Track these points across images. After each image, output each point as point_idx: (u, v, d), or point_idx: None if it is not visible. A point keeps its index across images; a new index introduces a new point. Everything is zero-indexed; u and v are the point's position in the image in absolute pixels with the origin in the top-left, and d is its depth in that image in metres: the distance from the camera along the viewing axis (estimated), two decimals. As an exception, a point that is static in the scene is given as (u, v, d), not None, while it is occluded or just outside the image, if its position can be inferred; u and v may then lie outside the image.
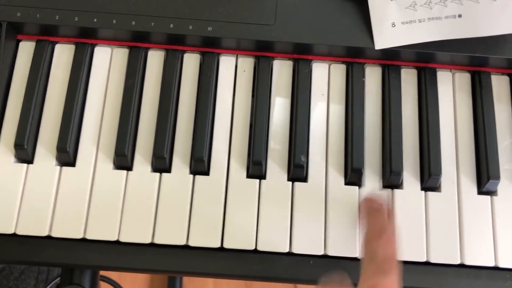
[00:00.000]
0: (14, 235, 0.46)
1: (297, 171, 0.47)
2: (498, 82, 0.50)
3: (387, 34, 0.47)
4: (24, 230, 0.46)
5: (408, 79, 0.50)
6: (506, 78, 0.51)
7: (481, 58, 0.49)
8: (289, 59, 0.51)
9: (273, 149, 0.48)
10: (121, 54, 0.50)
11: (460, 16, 0.45)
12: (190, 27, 0.48)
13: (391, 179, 0.46)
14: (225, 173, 0.47)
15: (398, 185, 0.47)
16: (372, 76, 0.50)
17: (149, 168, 0.47)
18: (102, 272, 0.64)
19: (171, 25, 0.48)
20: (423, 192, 0.47)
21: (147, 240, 0.45)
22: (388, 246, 0.39)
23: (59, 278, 0.75)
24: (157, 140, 0.47)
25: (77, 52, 0.50)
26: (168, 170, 0.47)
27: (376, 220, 0.42)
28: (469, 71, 0.51)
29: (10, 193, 0.46)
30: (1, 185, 0.46)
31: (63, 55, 0.50)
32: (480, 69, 0.50)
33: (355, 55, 0.50)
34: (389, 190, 0.47)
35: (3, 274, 1.19)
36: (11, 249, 0.46)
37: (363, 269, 0.39)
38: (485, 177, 0.47)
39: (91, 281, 0.55)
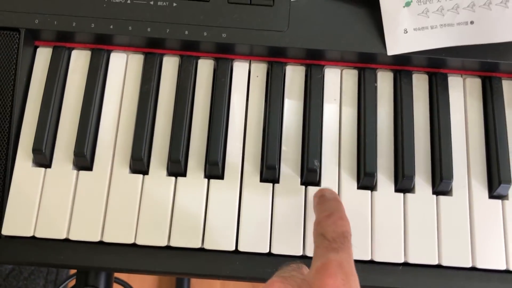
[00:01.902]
0: (33, 237, 0.47)
1: (310, 175, 0.47)
2: (509, 87, 0.51)
3: (399, 40, 0.48)
4: (42, 233, 0.47)
5: (420, 84, 0.51)
6: (517, 83, 0.51)
7: (492, 64, 0.49)
8: (301, 64, 0.51)
9: (286, 153, 0.49)
10: (136, 60, 0.51)
11: (472, 23, 0.46)
12: (205, 34, 0.49)
13: (404, 183, 0.47)
14: (239, 177, 0.48)
15: (410, 189, 0.48)
16: (384, 81, 0.51)
17: (164, 172, 0.48)
18: (114, 274, 0.65)
19: (186, 32, 0.49)
20: (434, 196, 0.48)
21: (163, 243, 0.46)
22: (338, 225, 0.39)
23: (69, 280, 0.76)
24: (173, 144, 0.48)
25: (94, 58, 0.51)
26: (183, 174, 0.48)
27: (326, 205, 0.42)
28: (480, 77, 0.51)
29: (28, 196, 0.47)
30: (20, 189, 0.47)
31: (79, 61, 0.51)
32: (491, 74, 0.51)
33: (367, 61, 0.51)
34: (401, 194, 0.48)
35: (12, 275, 1.20)
36: (30, 251, 0.47)
37: (315, 249, 0.38)
38: (496, 181, 0.47)
39: (106, 283, 0.56)
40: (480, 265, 0.46)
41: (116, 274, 0.82)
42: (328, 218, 0.39)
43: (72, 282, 0.59)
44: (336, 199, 0.43)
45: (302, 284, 0.35)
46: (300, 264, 0.40)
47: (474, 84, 0.51)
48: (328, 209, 0.41)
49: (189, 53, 0.51)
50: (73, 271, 1.06)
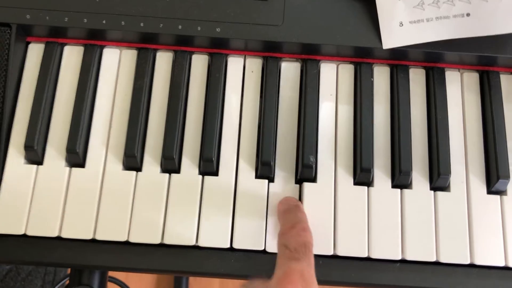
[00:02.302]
0: (24, 236, 0.46)
1: (306, 171, 0.47)
2: (507, 81, 0.50)
3: (395, 33, 0.47)
4: (34, 231, 0.46)
5: (417, 79, 0.50)
6: (515, 77, 0.51)
7: (490, 58, 0.49)
8: (297, 59, 0.51)
9: (281, 150, 0.48)
10: (129, 56, 0.51)
11: (468, 15, 0.45)
12: (199, 28, 0.48)
13: (400, 179, 0.46)
14: (234, 173, 0.47)
15: (407, 185, 0.47)
16: (380, 76, 0.50)
17: (158, 168, 0.47)
18: (109, 272, 0.64)
19: (180, 26, 0.49)
20: (432, 192, 0.47)
21: (156, 240, 0.45)
22: (301, 236, 0.40)
23: (66, 280, 0.76)
24: (166, 140, 0.47)
25: (86, 53, 0.50)
26: (177, 170, 0.47)
27: (290, 215, 0.43)
28: (477, 71, 0.51)
29: (20, 194, 0.46)
30: (11, 186, 0.47)
31: (72, 57, 0.50)
32: (488, 68, 0.50)
33: (363, 55, 0.50)
34: (398, 190, 0.47)
35: (10, 276, 1.19)
36: (21, 250, 0.46)
37: (278, 259, 0.40)
38: (495, 177, 0.46)
39: (100, 282, 0.55)
40: (478, 261, 0.45)
41: (113, 274, 0.82)
42: (292, 229, 0.41)
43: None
44: (299, 209, 0.44)
45: None
46: (265, 279, 0.40)
47: (472, 78, 0.51)
48: (291, 220, 0.42)
49: (183, 48, 0.50)
50: (70, 271, 1.05)
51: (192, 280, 1.14)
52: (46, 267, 1.19)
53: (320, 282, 0.46)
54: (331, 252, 0.45)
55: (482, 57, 0.49)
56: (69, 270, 1.09)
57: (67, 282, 0.72)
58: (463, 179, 0.47)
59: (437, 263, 0.46)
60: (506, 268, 0.45)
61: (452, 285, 0.45)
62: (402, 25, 0.47)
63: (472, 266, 0.46)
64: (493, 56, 0.48)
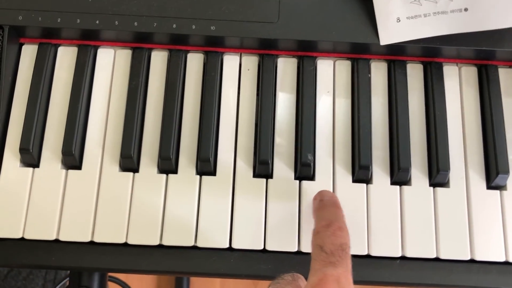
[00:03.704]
0: (22, 239, 0.46)
1: (304, 170, 0.46)
2: (505, 75, 0.50)
3: (392, 29, 0.47)
4: (31, 234, 0.46)
5: (414, 74, 0.50)
6: (513, 71, 0.50)
7: (488, 52, 0.48)
8: (293, 56, 0.50)
9: (279, 148, 0.48)
10: (124, 55, 0.50)
11: (466, 9, 0.45)
12: (193, 27, 0.48)
13: (399, 175, 0.46)
14: (232, 173, 0.47)
15: (407, 182, 0.47)
16: (378, 72, 0.50)
17: (155, 169, 0.47)
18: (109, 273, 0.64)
19: (174, 25, 0.48)
20: (431, 188, 0.47)
21: (155, 242, 0.45)
22: (337, 237, 0.37)
23: (67, 279, 0.76)
24: (163, 141, 0.47)
25: (80, 54, 0.50)
26: (174, 171, 0.47)
27: (326, 212, 0.41)
28: (475, 65, 0.50)
29: (16, 197, 0.46)
30: (7, 189, 0.46)
31: (66, 58, 0.50)
32: (487, 62, 0.50)
33: (360, 51, 0.49)
34: (397, 187, 0.47)
35: (11, 275, 1.20)
36: (19, 253, 0.46)
37: (312, 261, 0.37)
38: (494, 172, 0.46)
39: (100, 283, 0.55)
40: (478, 257, 0.45)
41: (115, 274, 0.82)
42: (327, 229, 0.38)
43: (68, 282, 0.59)
44: (335, 205, 0.42)
45: None
46: (295, 276, 0.39)
47: (470, 72, 0.50)
48: (327, 218, 0.39)
49: (177, 47, 0.50)
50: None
51: (194, 279, 1.15)
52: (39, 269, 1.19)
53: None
54: (330, 251, 0.45)
55: (480, 51, 0.48)
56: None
57: (68, 282, 0.72)
58: (462, 174, 0.47)
59: (437, 260, 0.45)
60: (506, 263, 0.45)
61: (453, 282, 0.45)
62: (399, 20, 0.46)
63: (472, 262, 0.45)
64: (491, 50, 0.48)
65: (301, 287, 0.38)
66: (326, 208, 0.41)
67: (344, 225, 0.39)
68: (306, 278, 0.38)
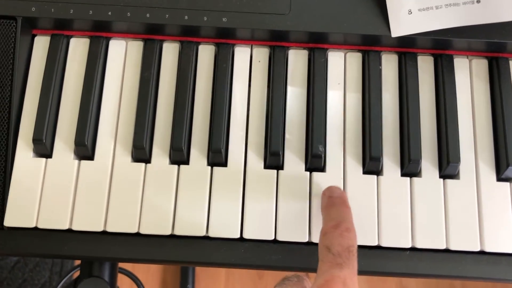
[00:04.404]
0: (35, 228, 0.46)
1: (315, 161, 0.47)
2: (516, 68, 0.50)
3: (404, 21, 0.47)
4: (45, 224, 0.46)
5: (425, 66, 0.50)
6: (524, 64, 0.50)
7: (499, 44, 0.48)
8: (304, 48, 0.50)
9: (290, 139, 0.48)
10: (136, 47, 0.50)
11: (478, 1, 0.45)
12: (205, 19, 0.48)
13: (410, 167, 0.46)
14: (243, 164, 0.47)
15: (417, 173, 0.47)
16: (389, 64, 0.50)
17: (167, 160, 0.47)
18: (118, 264, 0.65)
19: (186, 17, 0.48)
20: (441, 180, 0.47)
21: (167, 232, 0.46)
22: (345, 238, 0.38)
23: (74, 271, 0.76)
24: (175, 132, 0.47)
25: (92, 45, 0.50)
26: (186, 162, 0.47)
27: (334, 211, 0.41)
28: (486, 57, 0.50)
29: (30, 187, 0.46)
30: (21, 179, 0.47)
31: (78, 49, 0.50)
32: (498, 55, 0.50)
33: (371, 43, 0.50)
34: (407, 178, 0.47)
35: (17, 267, 1.20)
36: (32, 243, 0.46)
37: (320, 262, 0.38)
38: (504, 164, 0.46)
39: (110, 273, 0.55)
40: (488, 248, 0.45)
41: (121, 264, 0.82)
42: (335, 229, 0.38)
43: (77, 273, 0.59)
44: (344, 204, 0.42)
45: None
46: (300, 277, 0.39)
47: (481, 65, 0.50)
48: (335, 218, 0.40)
49: (189, 38, 0.50)
50: (77, 262, 1.06)
51: (199, 268, 1.15)
52: (54, 259, 1.20)
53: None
54: (341, 241, 0.45)
55: (491, 43, 0.48)
56: (77, 261, 1.10)
57: (75, 274, 0.72)
58: (472, 166, 0.47)
59: (447, 251, 0.46)
60: (516, 254, 0.46)
61: (463, 273, 0.45)
62: (411, 13, 0.46)
63: (482, 253, 0.46)
64: (503, 42, 0.48)
65: None
66: (335, 207, 0.42)
67: (352, 226, 0.39)
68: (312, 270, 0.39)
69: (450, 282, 1.14)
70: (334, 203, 0.42)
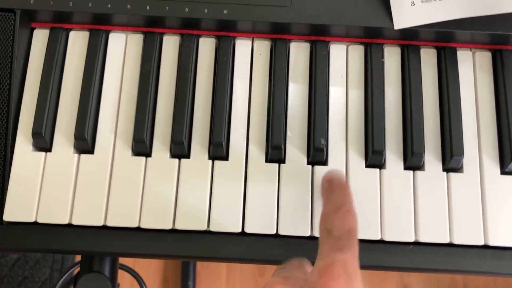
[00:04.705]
0: (35, 223, 0.46)
1: (317, 155, 0.46)
2: (520, 60, 0.49)
3: (407, 13, 0.46)
4: (44, 218, 0.46)
5: (428, 59, 0.50)
6: (528, 56, 0.50)
7: (503, 36, 0.48)
8: (306, 41, 0.50)
9: (292, 133, 0.47)
10: (136, 40, 0.50)
11: (482, -8, 0.44)
12: (206, 11, 0.48)
13: (413, 160, 0.46)
14: (244, 157, 0.47)
15: (420, 167, 0.47)
16: (391, 57, 0.50)
17: (167, 154, 0.47)
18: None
19: (186, 9, 0.48)
20: (445, 173, 0.46)
21: (167, 226, 0.45)
22: (345, 221, 0.37)
23: (74, 268, 0.76)
24: (175, 125, 0.47)
25: (92, 39, 0.49)
26: (187, 155, 0.47)
27: (334, 195, 0.40)
28: (489, 50, 0.50)
29: (29, 181, 0.46)
30: (20, 174, 0.46)
31: (77, 42, 0.50)
32: (501, 47, 0.49)
33: (373, 36, 0.49)
34: (410, 172, 0.47)
35: (18, 264, 1.20)
36: (32, 238, 0.46)
37: (320, 246, 0.37)
38: (508, 157, 0.46)
39: (111, 268, 0.55)
40: (492, 242, 0.45)
41: (121, 260, 0.82)
42: (336, 212, 0.38)
43: (78, 269, 0.59)
44: (345, 188, 0.41)
45: (304, 285, 0.35)
46: (301, 260, 0.39)
47: (484, 57, 0.50)
48: (336, 200, 0.39)
49: (189, 31, 0.50)
50: (78, 259, 1.06)
51: (200, 265, 1.15)
52: (54, 255, 1.19)
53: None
54: (343, 235, 0.45)
55: (495, 35, 0.48)
56: (77, 258, 1.10)
57: (76, 271, 0.72)
58: (476, 160, 0.47)
59: (450, 245, 0.45)
60: (520, 248, 0.45)
61: (466, 267, 0.45)
62: (414, 4, 0.46)
63: (486, 247, 0.45)
64: (506, 34, 0.47)
65: (307, 272, 0.38)
66: (336, 190, 0.41)
67: (353, 209, 0.39)
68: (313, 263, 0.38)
69: (451, 277, 1.14)
70: (334, 186, 0.41)
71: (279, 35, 0.50)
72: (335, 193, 0.41)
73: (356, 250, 0.36)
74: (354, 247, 0.36)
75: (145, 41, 0.50)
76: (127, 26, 0.50)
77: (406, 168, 0.47)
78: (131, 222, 0.45)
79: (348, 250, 0.35)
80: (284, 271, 0.38)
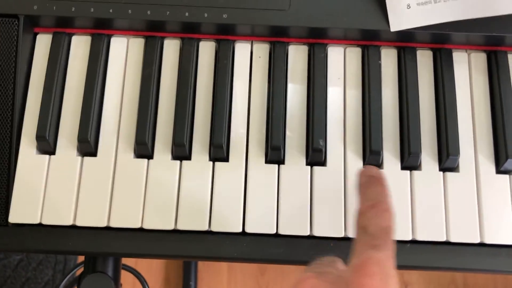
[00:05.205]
0: (40, 225, 0.47)
1: (316, 155, 0.47)
2: (514, 61, 0.50)
3: (403, 16, 0.47)
4: (49, 220, 0.46)
5: (424, 60, 0.50)
6: (523, 57, 0.51)
7: (498, 37, 0.49)
8: (304, 44, 0.51)
9: (291, 134, 0.48)
10: (137, 44, 0.51)
11: (476, -5, 0.45)
12: (205, 15, 0.49)
13: (410, 160, 0.47)
14: (244, 159, 0.48)
15: (417, 167, 0.48)
16: (388, 59, 0.50)
17: (169, 156, 0.48)
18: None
19: (186, 13, 0.49)
20: (441, 172, 0.47)
21: (170, 226, 0.46)
22: (382, 218, 0.36)
23: (77, 269, 0.77)
24: (176, 128, 0.47)
25: (94, 43, 0.50)
26: (188, 157, 0.48)
27: (371, 191, 0.39)
28: (485, 51, 0.51)
29: (34, 184, 0.47)
30: (25, 176, 0.47)
31: (80, 47, 0.51)
32: (496, 48, 0.50)
33: (370, 38, 0.50)
34: (407, 171, 0.47)
35: (21, 265, 1.21)
36: (37, 239, 0.47)
37: (355, 243, 0.36)
38: (503, 156, 0.47)
39: (114, 269, 0.56)
40: (488, 240, 0.46)
41: (123, 260, 0.83)
42: (372, 209, 0.37)
43: (80, 270, 0.60)
44: (382, 185, 0.40)
45: (338, 281, 0.34)
46: (334, 258, 0.38)
47: (479, 59, 0.51)
48: (372, 198, 0.38)
49: (190, 35, 0.51)
50: (80, 260, 1.07)
51: (201, 265, 1.16)
52: (57, 257, 1.20)
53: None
54: (342, 234, 0.46)
55: (490, 37, 0.49)
56: (79, 259, 1.11)
57: (78, 272, 0.73)
58: (472, 159, 0.48)
59: (447, 243, 0.46)
60: (515, 246, 0.46)
61: (463, 264, 0.46)
62: (410, 7, 0.47)
63: (482, 245, 0.46)
64: (501, 35, 0.48)
65: (339, 269, 0.37)
66: (372, 186, 0.40)
67: (390, 207, 0.37)
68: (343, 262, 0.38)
69: (451, 275, 1.15)
70: (371, 183, 0.40)
71: (277, 38, 0.50)
72: (372, 189, 0.39)
73: (392, 248, 0.35)
74: (390, 246, 0.35)
75: (146, 45, 0.50)
76: (128, 30, 0.51)
77: (403, 168, 0.48)
78: (134, 223, 0.46)
79: (384, 248, 0.34)
80: (316, 266, 0.37)
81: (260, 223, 0.46)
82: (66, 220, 0.46)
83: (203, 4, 0.49)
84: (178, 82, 0.49)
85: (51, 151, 0.48)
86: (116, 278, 0.55)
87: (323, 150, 0.47)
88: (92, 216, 0.47)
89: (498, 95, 0.49)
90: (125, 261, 0.80)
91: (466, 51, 0.51)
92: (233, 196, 0.47)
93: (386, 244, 0.35)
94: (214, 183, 0.47)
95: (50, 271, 1.22)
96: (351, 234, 0.46)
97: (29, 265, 1.22)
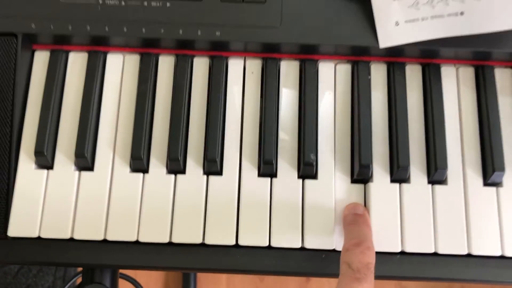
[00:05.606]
0: (38, 238, 0.48)
1: (307, 169, 0.48)
2: (501, 75, 0.51)
3: (391, 33, 0.48)
4: (47, 233, 0.48)
5: (413, 75, 0.51)
6: (509, 71, 0.52)
7: (485, 53, 0.50)
8: (295, 59, 0.52)
9: (283, 148, 0.49)
10: (133, 61, 0.52)
11: (462, 13, 0.46)
12: (199, 33, 0.50)
13: (399, 173, 0.48)
14: (237, 172, 0.49)
15: (406, 180, 0.49)
16: (378, 74, 0.52)
17: (164, 170, 0.49)
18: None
19: (180, 31, 0.50)
20: (430, 185, 0.48)
21: (165, 239, 0.47)
22: (364, 256, 0.42)
23: (77, 277, 0.78)
24: (171, 142, 0.49)
25: (90, 60, 0.52)
26: (182, 171, 0.49)
27: (356, 230, 0.45)
28: (472, 65, 0.52)
29: (33, 198, 0.48)
30: (24, 191, 0.48)
31: (77, 64, 0.52)
32: (483, 63, 0.51)
33: (360, 54, 0.51)
34: (396, 184, 0.48)
35: (21, 272, 1.22)
36: (36, 252, 0.48)
37: (340, 275, 0.42)
38: (491, 169, 0.48)
39: (112, 279, 0.57)
40: (476, 252, 0.47)
41: (123, 270, 0.84)
42: (356, 247, 0.42)
43: (80, 278, 0.61)
44: (366, 223, 0.46)
45: None
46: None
47: (467, 73, 0.52)
48: (357, 236, 0.44)
49: (184, 52, 0.52)
50: (80, 269, 1.08)
51: (200, 275, 1.17)
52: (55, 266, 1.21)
53: (320, 275, 0.48)
54: (332, 247, 0.47)
55: (477, 52, 0.50)
56: (79, 268, 1.12)
57: (78, 280, 0.74)
58: (459, 172, 0.49)
59: (436, 254, 0.47)
60: (502, 257, 0.47)
61: (451, 275, 0.47)
62: (398, 24, 0.48)
63: (469, 256, 0.47)
64: (488, 51, 0.49)
65: None
66: (357, 225, 0.45)
67: (372, 245, 0.43)
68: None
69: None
70: (357, 221, 0.46)
71: (270, 54, 0.52)
72: (357, 228, 0.45)
73: (372, 281, 0.41)
74: (371, 279, 0.41)
75: (141, 62, 0.52)
76: (124, 47, 0.52)
77: (393, 180, 0.49)
78: (130, 236, 0.47)
79: (365, 281, 0.40)
80: None
81: (253, 236, 0.47)
82: (64, 233, 0.48)
83: (196, 22, 0.50)
84: (172, 98, 0.50)
85: (49, 166, 0.49)
86: (113, 289, 0.57)
87: (314, 164, 0.48)
88: (89, 230, 0.48)
89: (485, 109, 0.50)
90: (125, 270, 0.81)
91: (455, 66, 0.52)
92: (227, 209, 0.48)
93: (367, 277, 0.41)
94: (208, 197, 0.48)
95: (51, 278, 1.23)
96: (340, 247, 0.47)
97: (30, 272, 1.22)
